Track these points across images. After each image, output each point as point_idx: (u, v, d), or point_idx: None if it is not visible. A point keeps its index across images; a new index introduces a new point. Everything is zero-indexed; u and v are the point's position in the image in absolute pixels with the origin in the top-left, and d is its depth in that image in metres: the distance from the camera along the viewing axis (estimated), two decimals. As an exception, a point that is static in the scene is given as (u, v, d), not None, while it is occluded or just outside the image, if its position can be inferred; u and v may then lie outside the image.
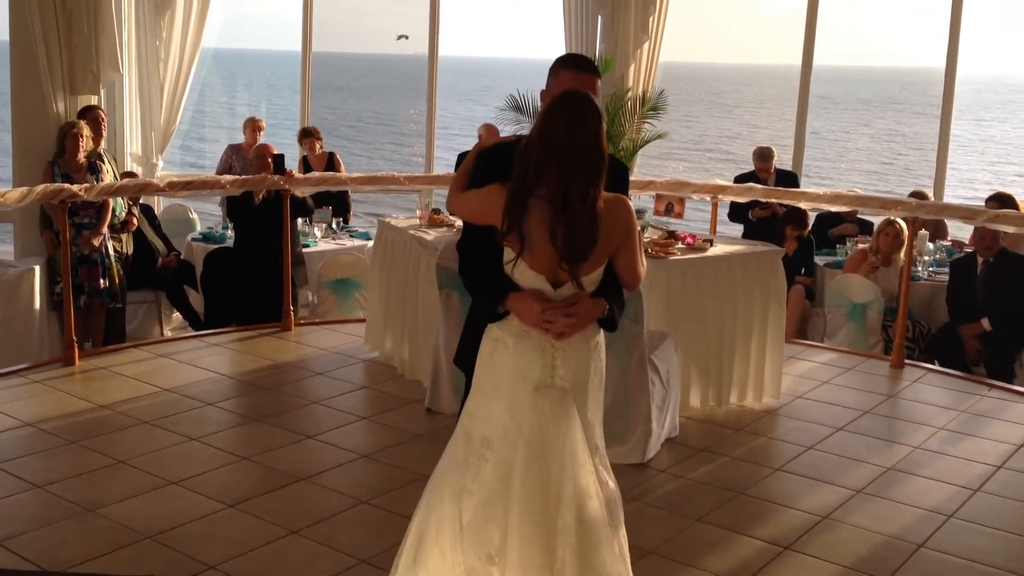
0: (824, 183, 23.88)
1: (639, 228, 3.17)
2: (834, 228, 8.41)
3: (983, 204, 7.17)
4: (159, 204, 8.66)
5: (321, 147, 8.71)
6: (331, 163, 8.61)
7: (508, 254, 2.73)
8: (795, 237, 7.74)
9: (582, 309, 2.74)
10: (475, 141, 8.66)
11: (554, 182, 2.64)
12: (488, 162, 2.95)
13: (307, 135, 8.70)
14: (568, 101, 2.69)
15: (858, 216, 8.47)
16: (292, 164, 7.36)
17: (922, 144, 39.59)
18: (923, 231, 7.67)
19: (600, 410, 2.89)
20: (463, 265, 3.00)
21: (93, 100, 7.40)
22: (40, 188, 5.71)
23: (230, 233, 7.67)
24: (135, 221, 7.22)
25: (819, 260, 7.88)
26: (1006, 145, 41.18)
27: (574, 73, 3.00)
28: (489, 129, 8.47)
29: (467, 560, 2.73)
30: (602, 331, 2.87)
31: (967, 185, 27.92)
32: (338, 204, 8.57)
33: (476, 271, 2.93)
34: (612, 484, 2.86)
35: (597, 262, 2.75)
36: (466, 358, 2.96)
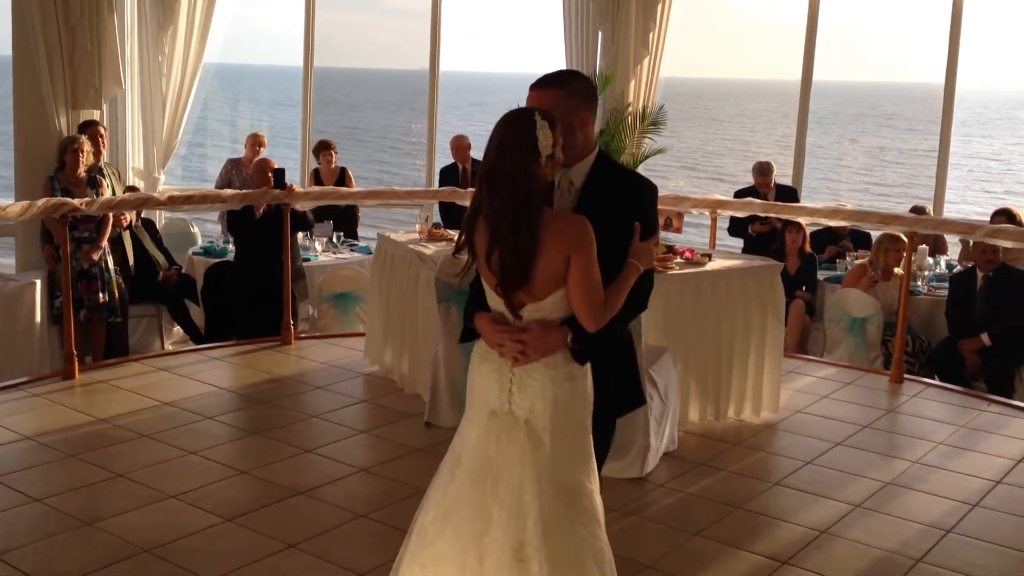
0: (815, 198, 23.81)
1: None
2: (827, 249, 8.38)
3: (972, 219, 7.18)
4: (160, 218, 8.69)
5: (335, 161, 8.73)
6: (342, 178, 8.63)
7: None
8: (797, 250, 7.73)
9: (533, 336, 2.59)
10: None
11: (486, 203, 2.55)
12: None
13: (324, 147, 8.71)
14: (504, 119, 2.59)
15: (850, 230, 8.48)
16: (293, 178, 7.38)
17: (912, 160, 39.63)
18: (923, 246, 7.68)
19: (572, 448, 2.66)
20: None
21: (95, 115, 7.44)
22: (41, 202, 5.73)
23: (231, 247, 7.69)
24: (128, 217, 7.15)
25: (819, 275, 7.88)
26: (988, 161, 41.04)
27: (531, 94, 2.87)
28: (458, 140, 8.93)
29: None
30: (577, 364, 2.66)
31: (953, 205, 27.86)
32: (346, 218, 8.58)
33: (471, 295, 2.87)
34: (585, 533, 2.61)
35: (548, 285, 2.58)
36: None
